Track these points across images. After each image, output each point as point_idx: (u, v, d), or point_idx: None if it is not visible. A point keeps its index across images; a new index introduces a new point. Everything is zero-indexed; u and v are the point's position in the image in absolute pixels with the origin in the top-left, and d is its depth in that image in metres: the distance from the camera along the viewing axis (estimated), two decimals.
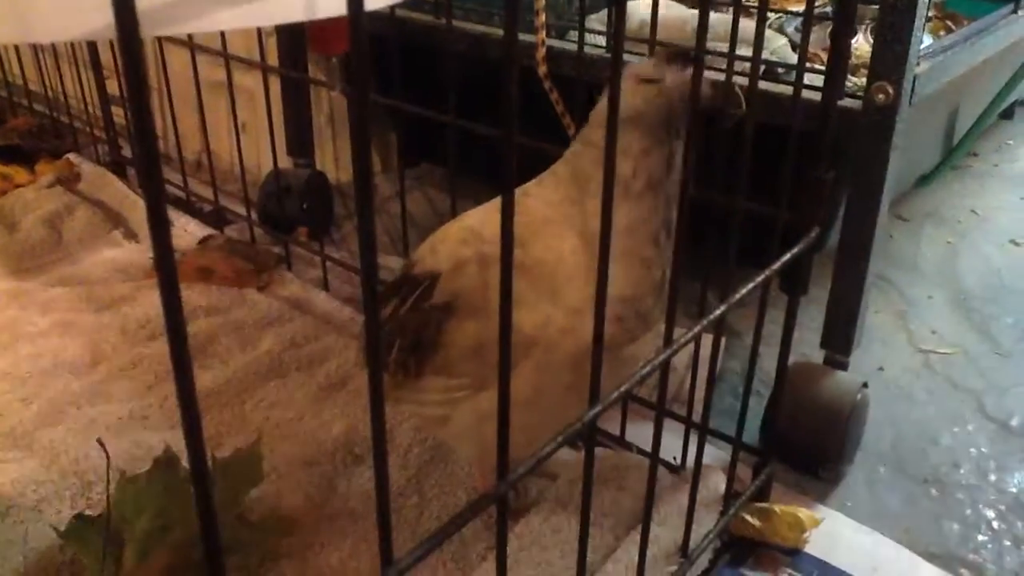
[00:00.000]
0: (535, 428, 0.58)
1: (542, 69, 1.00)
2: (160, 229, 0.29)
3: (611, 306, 0.63)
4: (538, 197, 0.70)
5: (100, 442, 0.72)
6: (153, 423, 0.89)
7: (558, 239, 0.68)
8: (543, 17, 1.00)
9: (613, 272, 0.64)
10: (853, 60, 1.27)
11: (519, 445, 0.46)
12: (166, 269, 0.29)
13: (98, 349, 1.02)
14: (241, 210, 1.27)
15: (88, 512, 0.74)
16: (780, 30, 1.52)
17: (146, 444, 0.84)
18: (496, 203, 0.72)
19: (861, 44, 1.43)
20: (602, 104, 0.70)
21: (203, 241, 1.25)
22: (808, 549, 0.81)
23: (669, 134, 0.67)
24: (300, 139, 1.33)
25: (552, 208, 0.69)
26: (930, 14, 1.51)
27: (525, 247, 0.67)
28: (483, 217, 0.72)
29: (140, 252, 1.25)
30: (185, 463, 0.76)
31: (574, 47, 1.03)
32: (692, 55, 0.65)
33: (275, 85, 1.26)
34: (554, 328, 0.66)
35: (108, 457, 0.71)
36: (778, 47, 1.32)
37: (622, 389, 0.57)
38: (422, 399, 0.71)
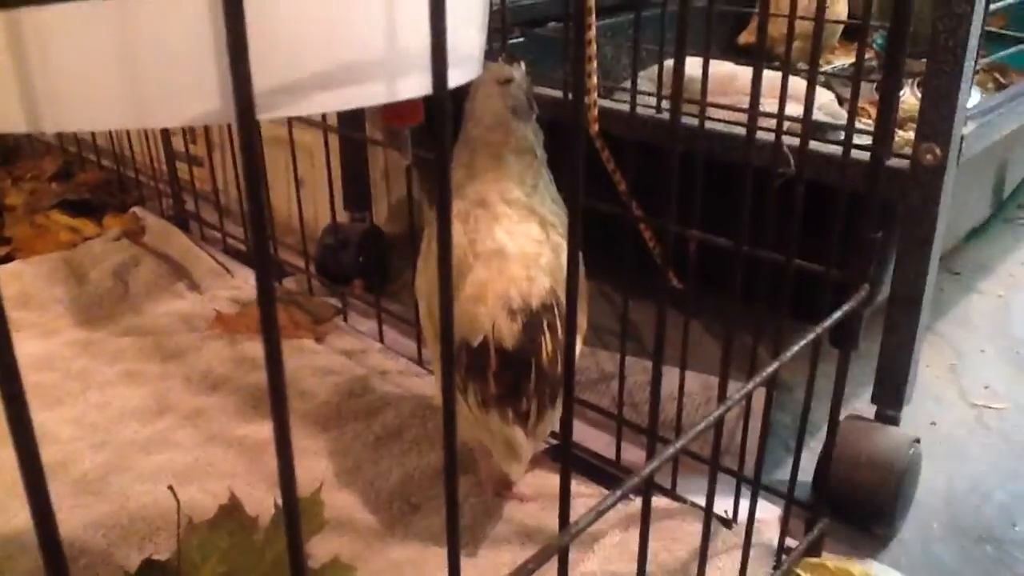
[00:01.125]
0: None
1: (593, 129, 1.03)
2: (267, 299, 0.32)
3: None
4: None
5: (171, 488, 0.75)
6: (217, 471, 0.92)
7: None
8: (595, 79, 1.04)
9: None
10: (900, 114, 1.28)
11: None
12: (270, 335, 0.32)
13: (164, 398, 1.06)
14: (299, 263, 1.32)
15: (156, 557, 0.77)
16: (827, 85, 1.54)
17: (211, 491, 0.87)
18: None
19: (908, 98, 1.45)
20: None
21: None
22: None
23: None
24: (357, 194, 1.37)
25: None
26: (979, 68, 1.52)
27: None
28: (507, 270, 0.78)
29: (203, 304, 1.29)
30: (248, 511, 0.79)
31: (621, 106, 1.06)
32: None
33: (333, 141, 1.31)
34: None
35: (179, 503, 0.74)
36: (825, 102, 1.34)
37: (678, 445, 0.59)
38: None
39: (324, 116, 1.21)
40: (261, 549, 0.78)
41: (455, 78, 0.45)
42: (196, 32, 0.34)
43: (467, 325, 0.75)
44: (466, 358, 0.75)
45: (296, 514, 0.34)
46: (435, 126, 0.36)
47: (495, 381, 0.74)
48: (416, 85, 0.43)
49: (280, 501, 0.80)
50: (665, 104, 1.16)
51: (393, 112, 0.53)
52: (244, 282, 1.35)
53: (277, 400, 0.33)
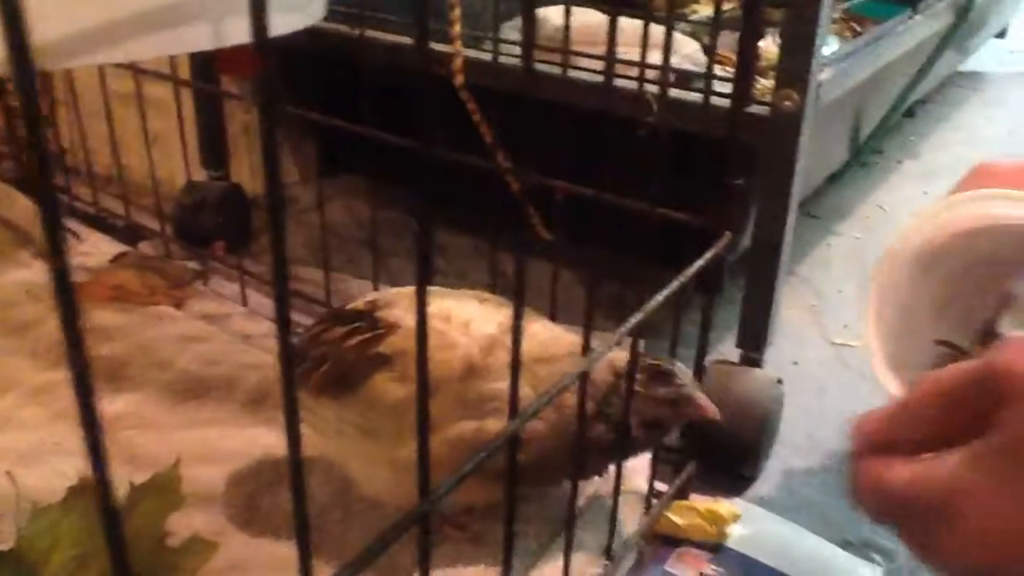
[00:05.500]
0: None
1: (459, 79, 1.01)
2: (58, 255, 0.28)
3: None
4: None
5: (8, 473, 0.70)
6: (67, 450, 0.86)
7: None
8: (458, 27, 1.01)
9: None
10: (763, 63, 1.31)
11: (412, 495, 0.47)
12: (66, 298, 0.29)
13: (7, 375, 0.98)
14: (155, 225, 1.25)
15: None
16: (693, 35, 1.55)
17: (60, 472, 0.81)
18: (498, 311, 0.75)
19: (771, 46, 1.47)
20: None
21: (116, 259, 1.22)
22: (729, 544, 0.83)
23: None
24: (214, 151, 1.30)
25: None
26: (836, 16, 1.56)
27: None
28: (477, 312, 0.74)
29: (49, 272, 1.20)
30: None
31: (486, 56, 1.04)
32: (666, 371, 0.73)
33: (187, 95, 1.24)
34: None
35: (16, 487, 0.69)
36: (690, 52, 1.35)
37: (543, 401, 0.58)
38: (340, 416, 0.72)
39: (174, 67, 1.14)
40: None
41: (284, 24, 0.42)
42: None
43: None
44: None
45: (111, 501, 0.31)
46: (261, 78, 0.33)
47: None
48: (243, 30, 0.39)
49: (134, 480, 0.75)
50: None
51: (228, 62, 0.50)
52: (95, 247, 1.27)
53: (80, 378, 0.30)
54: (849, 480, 0.37)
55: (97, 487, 0.31)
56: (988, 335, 0.44)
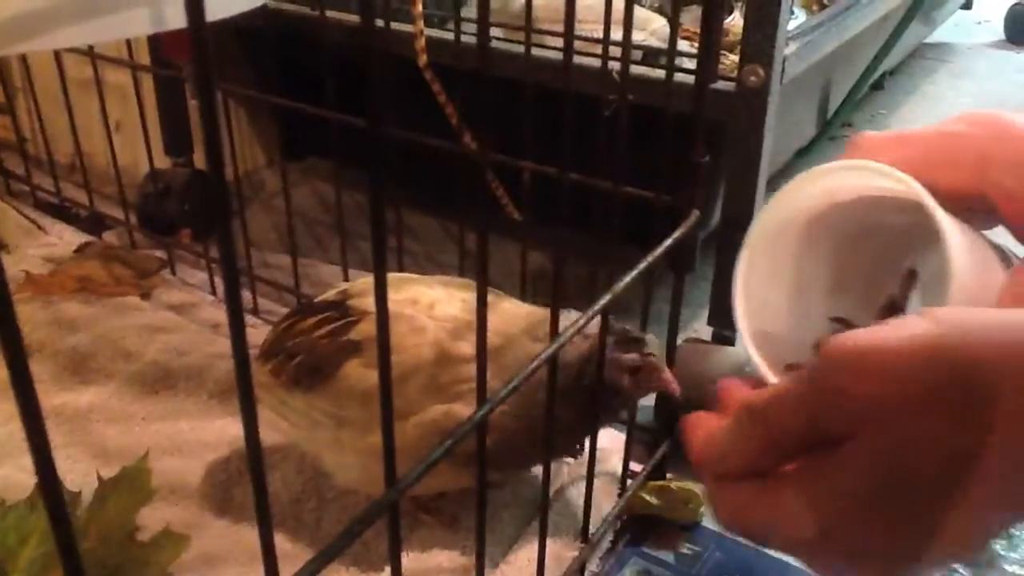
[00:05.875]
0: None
1: (422, 59, 0.99)
2: None
3: None
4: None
5: None
6: None
7: None
8: (420, 6, 0.99)
9: None
10: (730, 38, 1.30)
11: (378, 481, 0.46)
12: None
13: None
14: (119, 214, 1.23)
15: None
16: (660, 10, 1.54)
17: (28, 468, 0.80)
18: (462, 292, 0.74)
19: (737, 21, 1.47)
20: None
21: (80, 249, 1.20)
22: (705, 523, 0.83)
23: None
24: (177, 137, 1.28)
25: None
26: None
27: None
28: (442, 294, 0.73)
29: (11, 264, 1.18)
30: (70, 485, 0.73)
31: (449, 35, 1.02)
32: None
33: (149, 81, 1.21)
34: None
35: None
36: (657, 27, 1.34)
37: (513, 384, 0.58)
38: (313, 406, 0.72)
39: (131, 52, 1.12)
40: (85, 525, 0.73)
41: (227, 6, 0.41)
42: None
43: None
44: None
45: (63, 509, 0.30)
46: (196, 63, 0.32)
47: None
48: (183, 14, 0.38)
49: (103, 474, 0.74)
50: (496, 32, 1.13)
51: (173, 44, 0.48)
52: (59, 238, 1.25)
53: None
54: (709, 501, 0.37)
55: (43, 489, 0.31)
56: (892, 311, 0.43)
